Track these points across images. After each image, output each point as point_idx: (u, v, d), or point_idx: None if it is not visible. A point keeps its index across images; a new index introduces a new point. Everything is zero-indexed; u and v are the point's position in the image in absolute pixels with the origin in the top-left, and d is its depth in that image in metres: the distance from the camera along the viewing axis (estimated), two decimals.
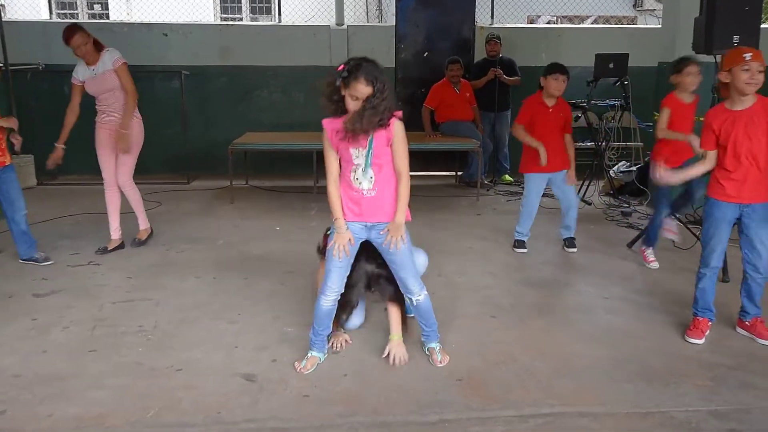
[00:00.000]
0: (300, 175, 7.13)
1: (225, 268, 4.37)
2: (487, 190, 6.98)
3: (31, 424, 2.50)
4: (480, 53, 7.43)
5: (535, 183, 4.74)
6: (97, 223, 5.36)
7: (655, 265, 4.42)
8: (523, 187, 5.02)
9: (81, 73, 4.54)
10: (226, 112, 7.78)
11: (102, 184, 4.72)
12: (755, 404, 2.67)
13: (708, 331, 3.29)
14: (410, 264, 2.89)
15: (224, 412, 2.59)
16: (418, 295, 2.92)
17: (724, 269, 4.10)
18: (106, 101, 4.56)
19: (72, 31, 4.42)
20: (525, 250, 4.80)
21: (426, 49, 7.54)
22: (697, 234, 4.46)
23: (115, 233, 4.77)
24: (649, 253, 4.48)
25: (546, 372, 2.93)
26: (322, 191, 6.65)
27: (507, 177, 7.42)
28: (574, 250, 4.80)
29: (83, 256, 4.56)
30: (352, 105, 2.59)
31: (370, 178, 2.73)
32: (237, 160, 6.68)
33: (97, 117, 4.63)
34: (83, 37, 4.42)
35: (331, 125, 2.71)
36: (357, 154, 2.71)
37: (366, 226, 2.83)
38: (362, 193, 2.76)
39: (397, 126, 2.70)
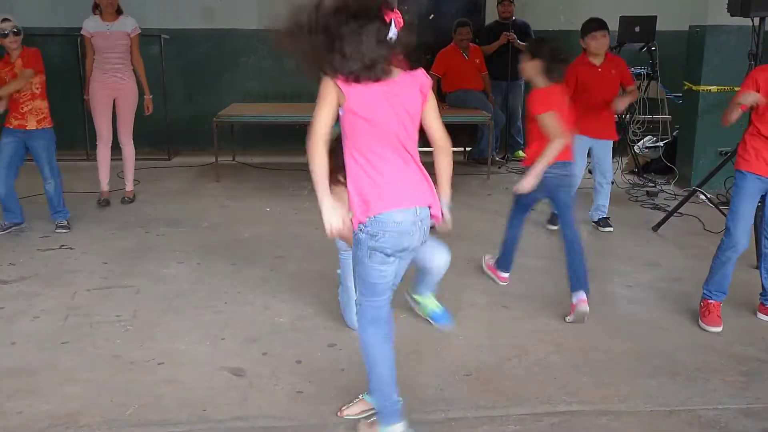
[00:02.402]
0: (292, 151, 7.09)
1: (210, 252, 4.38)
2: (499, 167, 6.97)
3: None
4: (491, 16, 7.38)
5: (577, 145, 4.20)
6: (71, 203, 5.35)
7: (504, 283, 3.91)
8: None
9: (92, 27, 5.30)
10: (210, 81, 7.74)
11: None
12: None
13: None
14: None
15: (210, 409, 2.61)
16: None
17: (759, 255, 4.10)
18: (110, 59, 5.31)
19: None
20: (556, 227, 4.74)
21: (431, 10, 7.48)
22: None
23: (106, 187, 5.52)
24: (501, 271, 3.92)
25: (562, 367, 2.95)
26: None
27: (521, 153, 7.38)
28: (610, 229, 4.82)
29: (54, 239, 4.56)
30: None
31: None
32: (223, 134, 6.66)
33: (93, 76, 5.36)
34: None
35: None
36: None
37: None
38: None
39: None
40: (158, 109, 7.29)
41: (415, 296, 3.31)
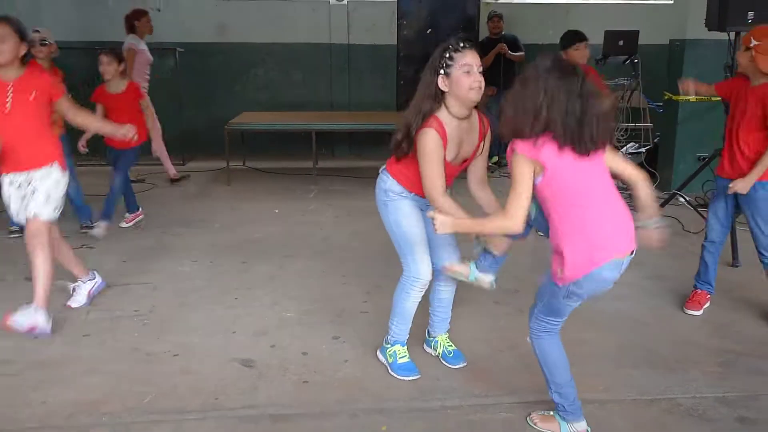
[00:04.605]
0: (299, 156, 7.11)
1: (222, 251, 4.38)
2: (492, 172, 6.97)
3: (25, 410, 2.52)
4: (485, 30, 7.38)
5: None
6: (91, 204, 5.35)
7: None
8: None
9: (139, 44, 5.94)
10: (222, 91, 7.74)
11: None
12: (763, 390, 2.69)
13: (707, 305, 3.42)
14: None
15: (222, 398, 2.62)
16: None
17: (734, 254, 4.11)
18: (146, 74, 5.98)
19: (146, 11, 6.12)
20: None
21: (429, 25, 7.48)
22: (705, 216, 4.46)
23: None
24: None
25: None
26: (322, 173, 6.72)
27: None
28: None
29: (76, 240, 4.56)
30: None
31: None
32: (234, 141, 6.65)
33: (145, 84, 5.99)
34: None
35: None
36: None
37: None
38: None
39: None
40: (173, 118, 7.33)
41: (432, 338, 3.01)
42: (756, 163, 3.08)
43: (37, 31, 4.46)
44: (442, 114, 2.46)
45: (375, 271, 4.00)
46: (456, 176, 2.64)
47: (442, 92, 2.45)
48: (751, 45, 3.02)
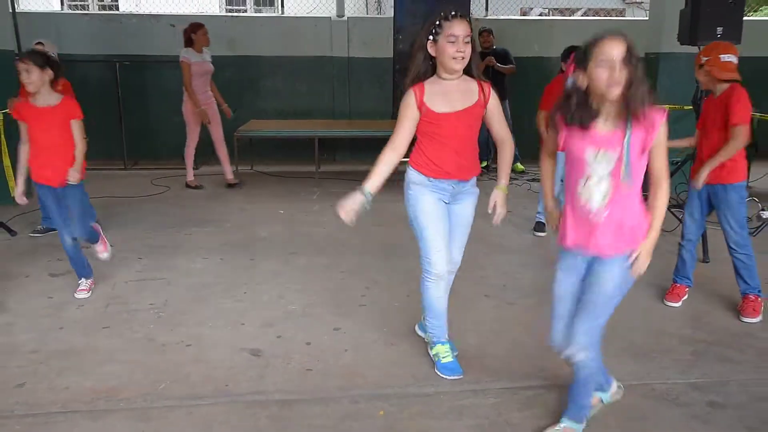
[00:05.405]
0: (303, 161, 7.11)
1: (232, 249, 4.38)
2: (481, 175, 6.93)
3: (49, 396, 2.52)
4: (476, 45, 7.38)
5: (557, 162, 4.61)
6: (110, 206, 5.36)
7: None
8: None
9: (192, 56, 5.82)
10: (231, 101, 7.65)
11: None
12: (732, 377, 2.70)
13: (685, 297, 3.44)
14: (609, 308, 2.13)
15: (231, 384, 2.62)
16: (579, 352, 2.12)
17: (705, 250, 4.12)
18: (203, 83, 5.93)
19: (203, 24, 5.92)
20: (543, 234, 4.77)
21: None
22: (679, 217, 4.46)
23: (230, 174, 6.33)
24: None
25: (536, 347, 2.95)
26: (324, 176, 6.72)
27: (519, 166, 7.25)
28: None
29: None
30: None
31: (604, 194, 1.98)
32: (243, 147, 6.66)
33: (202, 96, 5.97)
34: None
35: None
36: (598, 158, 1.96)
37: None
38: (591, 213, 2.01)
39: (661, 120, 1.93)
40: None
41: (432, 343, 2.84)
42: (719, 151, 3.10)
43: (41, 43, 4.23)
44: (431, 78, 2.45)
45: (373, 266, 4.01)
46: (474, 128, 2.49)
47: (432, 57, 2.43)
48: (702, 62, 3.16)
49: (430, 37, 2.40)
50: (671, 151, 5.89)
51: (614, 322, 3.27)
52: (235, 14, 9.48)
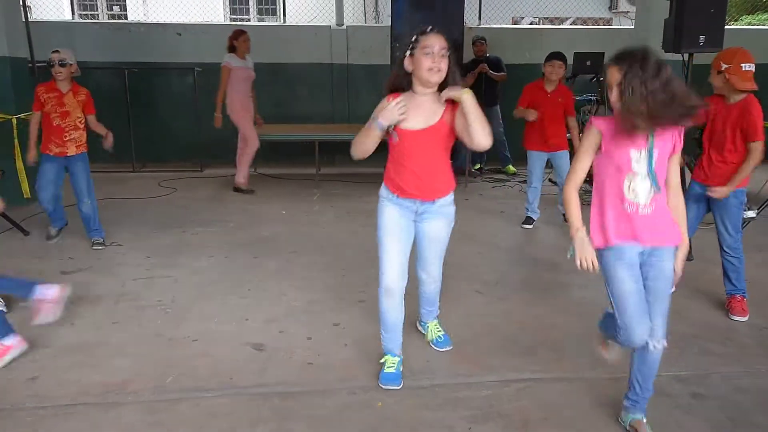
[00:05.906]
0: (303, 164, 7.11)
1: (236, 248, 4.37)
2: (474, 177, 6.97)
3: (61, 389, 2.52)
4: (468, 53, 7.38)
5: (535, 160, 4.84)
6: (120, 207, 5.35)
7: None
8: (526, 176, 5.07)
9: (234, 62, 5.82)
10: None
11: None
12: (713, 369, 2.71)
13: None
14: (667, 300, 2.17)
15: (236, 377, 2.61)
16: (661, 340, 2.19)
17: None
18: (246, 88, 5.93)
19: (244, 31, 5.94)
20: (530, 226, 4.89)
21: None
22: None
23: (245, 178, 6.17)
24: None
25: (526, 342, 2.96)
26: (324, 178, 6.72)
27: (511, 168, 7.18)
28: None
29: (106, 238, 4.54)
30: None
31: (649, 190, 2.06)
32: None
33: (245, 100, 5.98)
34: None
35: (607, 124, 2.09)
36: (638, 158, 2.05)
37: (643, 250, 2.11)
38: (637, 209, 2.08)
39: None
40: (192, 129, 7.32)
41: (423, 325, 2.98)
42: (738, 170, 3.07)
43: (57, 51, 4.22)
44: (406, 93, 2.40)
45: (371, 264, 3.97)
46: (440, 147, 2.44)
47: (407, 72, 2.38)
48: (722, 69, 3.02)
49: (408, 52, 2.38)
50: None
51: (597, 316, 3.28)
52: (239, 23, 9.47)
